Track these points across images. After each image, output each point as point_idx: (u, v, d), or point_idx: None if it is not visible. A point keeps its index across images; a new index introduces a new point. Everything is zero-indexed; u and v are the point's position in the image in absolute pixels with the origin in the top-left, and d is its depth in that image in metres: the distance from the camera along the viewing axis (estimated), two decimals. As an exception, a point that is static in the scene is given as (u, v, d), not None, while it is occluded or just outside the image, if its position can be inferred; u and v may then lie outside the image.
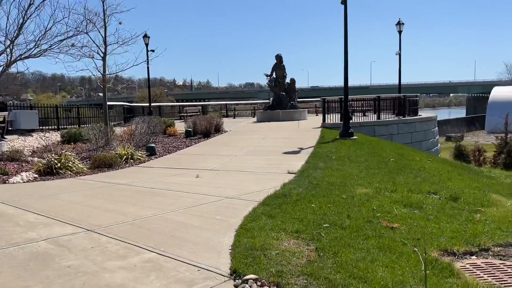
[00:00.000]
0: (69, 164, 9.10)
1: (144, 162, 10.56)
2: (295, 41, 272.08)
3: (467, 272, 3.80)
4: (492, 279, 3.68)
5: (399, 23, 23.41)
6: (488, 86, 79.88)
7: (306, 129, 16.37)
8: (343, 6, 13.84)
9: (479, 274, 3.79)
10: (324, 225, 4.84)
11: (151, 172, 9.08)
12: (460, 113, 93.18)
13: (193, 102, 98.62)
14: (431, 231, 4.76)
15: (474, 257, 4.26)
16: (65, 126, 18.46)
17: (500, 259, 4.19)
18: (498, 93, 54.69)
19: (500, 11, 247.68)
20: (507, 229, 4.87)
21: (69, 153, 9.60)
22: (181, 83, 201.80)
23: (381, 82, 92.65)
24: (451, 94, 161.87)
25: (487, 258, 4.24)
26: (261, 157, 10.29)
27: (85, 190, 7.18)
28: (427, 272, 3.68)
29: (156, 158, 11.16)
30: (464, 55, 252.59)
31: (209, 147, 12.71)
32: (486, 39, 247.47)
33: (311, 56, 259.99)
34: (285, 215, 5.18)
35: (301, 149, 11.26)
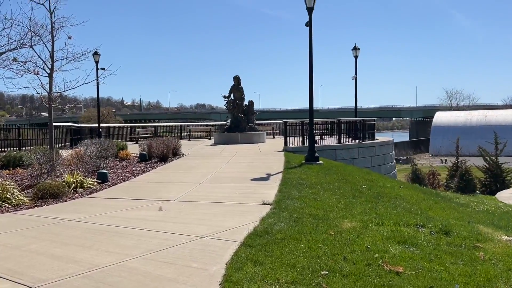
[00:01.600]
0: (7, 196, 7.81)
1: (96, 191, 9.39)
2: (246, 63, 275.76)
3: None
4: None
5: (355, 48, 23.75)
6: (429, 111, 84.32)
7: (269, 153, 15.79)
8: (307, 28, 13.62)
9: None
10: (322, 272, 4.16)
11: (105, 204, 7.98)
12: (402, 136, 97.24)
13: (142, 122, 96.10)
14: (441, 276, 4.21)
15: (496, 308, 3.74)
16: (3, 149, 16.64)
17: (526, 310, 3.70)
18: (440, 118, 57.56)
19: (441, 40, 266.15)
20: (518, 270, 4.43)
21: (8, 182, 8.28)
22: (129, 103, 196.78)
23: (329, 106, 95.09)
24: (394, 118, 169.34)
25: (511, 309, 3.74)
26: (229, 185, 9.50)
27: (27, 229, 6.02)
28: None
29: (109, 186, 10.02)
30: (406, 81, 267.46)
31: (168, 173, 11.71)
32: (426, 67, 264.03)
33: (262, 79, 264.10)
34: (273, 260, 4.44)
35: (269, 175, 10.60)
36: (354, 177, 10.93)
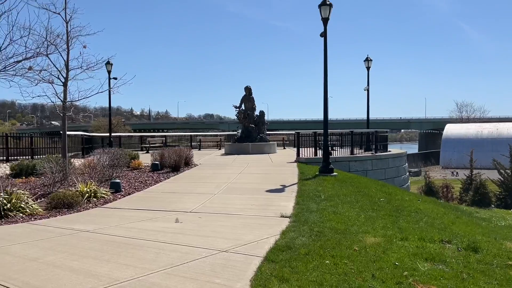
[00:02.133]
0: (22, 205, 7.71)
1: (110, 201, 9.27)
2: (254, 74, 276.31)
3: None
4: None
5: (367, 59, 23.62)
6: (439, 123, 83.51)
7: (281, 164, 15.62)
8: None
9: None
10: (352, 291, 3.97)
11: (120, 215, 7.85)
12: (411, 148, 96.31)
13: (151, 132, 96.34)
14: (477, 297, 4.00)
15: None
16: (15, 157, 16.65)
17: None
18: (450, 130, 56.89)
19: (450, 52, 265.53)
20: (558, 291, 4.21)
21: (22, 192, 8.20)
22: (138, 113, 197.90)
23: (337, 117, 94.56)
24: (402, 130, 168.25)
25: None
26: (244, 196, 9.33)
27: (43, 240, 5.89)
28: None
29: (123, 196, 9.90)
30: (415, 93, 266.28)
31: (182, 184, 11.58)
32: (435, 79, 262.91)
33: (270, 89, 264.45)
34: (299, 277, 4.26)
35: (284, 186, 10.44)
36: (370, 190, 10.72)
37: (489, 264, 5.07)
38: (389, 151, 20.86)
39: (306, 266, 4.60)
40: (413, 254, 5.27)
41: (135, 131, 77.79)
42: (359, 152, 18.39)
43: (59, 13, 11.54)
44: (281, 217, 7.09)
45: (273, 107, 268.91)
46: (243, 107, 23.67)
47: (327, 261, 4.78)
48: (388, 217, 7.57)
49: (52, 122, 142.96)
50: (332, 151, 18.57)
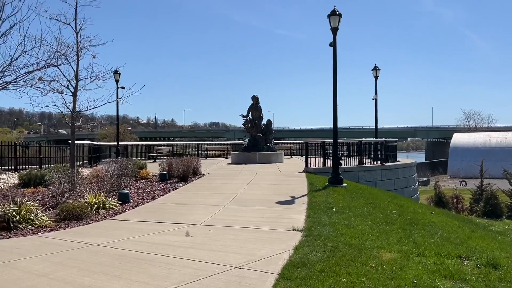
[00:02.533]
0: (31, 217, 7.63)
1: (119, 213, 9.18)
2: (259, 82, 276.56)
3: None
4: None
5: (375, 69, 23.50)
6: (446, 132, 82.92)
7: (289, 174, 15.49)
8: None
9: None
10: (372, 312, 3.83)
11: (129, 227, 7.75)
12: (418, 157, 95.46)
13: (157, 140, 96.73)
14: (502, 319, 3.85)
15: None
16: (24, 167, 16.66)
17: None
18: (458, 139, 56.37)
19: (457, 61, 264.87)
20: None
21: (31, 203, 8.12)
22: (144, 121, 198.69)
23: (343, 126, 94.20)
24: (408, 139, 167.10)
25: None
26: (254, 208, 9.21)
27: (53, 254, 5.79)
28: None
29: (132, 207, 9.81)
30: (421, 102, 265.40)
31: (191, 194, 11.48)
32: (442, 88, 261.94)
33: (275, 97, 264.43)
34: (317, 296, 4.13)
35: (294, 198, 10.31)
36: (381, 201, 10.56)
37: (511, 282, 4.91)
38: (398, 160, 20.66)
39: (323, 284, 4.47)
40: (431, 271, 5.12)
41: (141, 139, 78.07)
42: (367, 162, 18.23)
43: (69, 24, 11.58)
44: (293, 230, 6.96)
45: (278, 115, 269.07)
46: (250, 116, 23.65)
47: (344, 279, 4.64)
48: (402, 231, 7.41)
49: (59, 130, 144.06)
50: (341, 161, 18.41)
